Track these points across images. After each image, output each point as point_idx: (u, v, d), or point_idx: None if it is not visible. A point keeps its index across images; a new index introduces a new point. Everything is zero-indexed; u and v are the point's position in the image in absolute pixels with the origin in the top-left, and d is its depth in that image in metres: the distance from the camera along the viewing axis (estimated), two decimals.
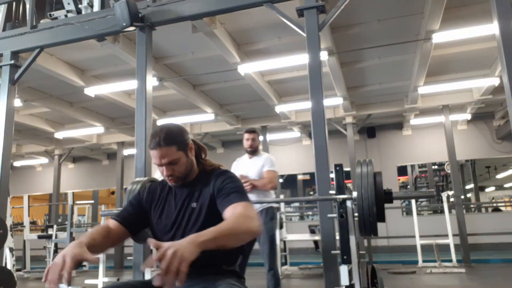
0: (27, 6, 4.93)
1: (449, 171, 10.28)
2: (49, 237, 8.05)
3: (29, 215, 9.10)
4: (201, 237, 1.27)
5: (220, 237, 1.32)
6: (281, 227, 6.37)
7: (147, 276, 2.81)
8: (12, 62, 4.75)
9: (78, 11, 4.74)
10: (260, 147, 4.08)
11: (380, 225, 2.06)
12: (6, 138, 4.63)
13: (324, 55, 5.65)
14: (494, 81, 7.03)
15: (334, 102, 8.08)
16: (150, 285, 1.58)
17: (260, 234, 1.50)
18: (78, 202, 10.60)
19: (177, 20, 4.35)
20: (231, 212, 1.50)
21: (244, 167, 3.78)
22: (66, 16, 4.78)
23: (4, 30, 5.10)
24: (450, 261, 6.88)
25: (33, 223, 12.66)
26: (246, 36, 5.91)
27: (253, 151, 3.81)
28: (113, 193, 16.15)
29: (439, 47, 6.10)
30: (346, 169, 8.53)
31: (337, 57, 6.21)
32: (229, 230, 1.36)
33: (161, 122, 8.91)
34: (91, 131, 9.74)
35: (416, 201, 8.15)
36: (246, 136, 3.83)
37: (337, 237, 2.49)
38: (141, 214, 1.72)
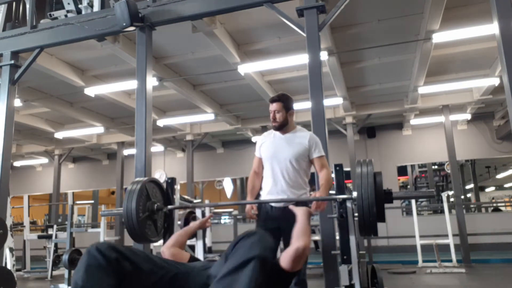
0: (27, 6, 4.93)
1: (449, 171, 10.28)
2: (49, 237, 8.04)
3: (29, 215, 9.10)
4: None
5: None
6: None
7: None
8: (12, 62, 4.75)
9: (78, 11, 4.74)
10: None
11: (380, 225, 2.05)
12: (6, 138, 4.63)
13: (324, 55, 5.66)
14: (494, 81, 7.03)
15: (334, 102, 8.08)
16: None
17: None
18: (78, 202, 10.58)
19: (177, 20, 4.35)
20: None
21: (274, 146, 3.00)
22: (66, 16, 4.78)
23: (4, 30, 5.10)
24: (450, 261, 6.88)
25: (33, 223, 12.66)
26: (246, 36, 5.90)
27: (281, 126, 3.04)
28: (113, 193, 16.16)
29: (439, 47, 6.10)
30: (346, 169, 8.49)
31: (337, 57, 6.20)
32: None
33: (161, 122, 8.91)
34: (91, 131, 9.73)
35: (416, 201, 8.14)
36: (270, 107, 3.08)
37: (337, 237, 2.49)
38: None
